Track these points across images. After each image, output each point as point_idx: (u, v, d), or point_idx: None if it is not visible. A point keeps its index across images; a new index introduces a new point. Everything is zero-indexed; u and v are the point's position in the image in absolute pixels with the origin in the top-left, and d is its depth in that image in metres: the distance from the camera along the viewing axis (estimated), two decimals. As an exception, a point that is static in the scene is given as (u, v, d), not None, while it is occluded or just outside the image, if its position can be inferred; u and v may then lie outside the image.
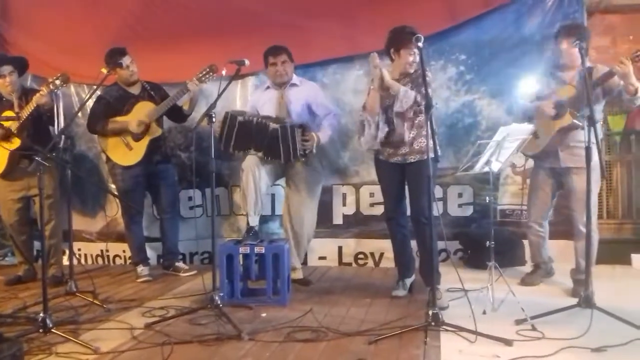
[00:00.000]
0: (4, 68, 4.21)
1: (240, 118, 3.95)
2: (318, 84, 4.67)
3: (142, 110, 4.32)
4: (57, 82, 3.87)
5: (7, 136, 4.13)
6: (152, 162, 4.42)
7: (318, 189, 4.25)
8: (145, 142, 4.33)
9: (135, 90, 4.43)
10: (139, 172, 4.38)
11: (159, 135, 4.38)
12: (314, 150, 4.04)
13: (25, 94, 4.21)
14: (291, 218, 4.10)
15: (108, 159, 4.45)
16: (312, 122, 4.17)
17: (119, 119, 4.34)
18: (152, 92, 4.42)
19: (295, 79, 4.25)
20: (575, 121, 3.48)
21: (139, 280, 4.41)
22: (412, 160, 3.60)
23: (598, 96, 3.51)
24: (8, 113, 4.14)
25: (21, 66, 4.34)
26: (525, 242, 4.42)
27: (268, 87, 4.27)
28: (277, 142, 3.89)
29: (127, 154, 4.36)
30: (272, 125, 3.91)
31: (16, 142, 4.13)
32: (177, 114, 4.48)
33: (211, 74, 4.12)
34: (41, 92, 3.94)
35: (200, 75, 4.14)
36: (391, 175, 3.74)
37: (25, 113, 4.03)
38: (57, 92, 3.94)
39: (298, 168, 4.10)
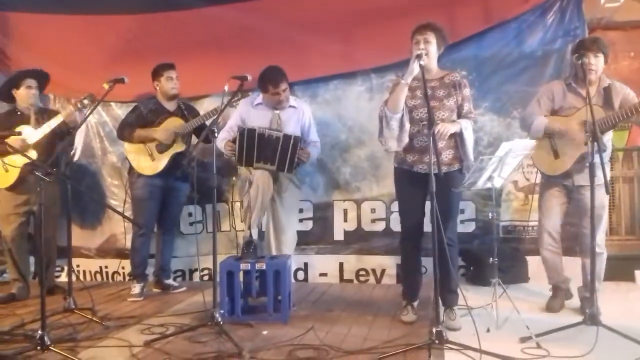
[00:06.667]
0: (30, 81, 4.34)
1: (259, 130, 3.90)
2: (319, 100, 4.66)
3: (172, 125, 4.38)
4: (85, 101, 4.05)
5: (25, 150, 4.07)
6: (171, 177, 4.44)
7: (298, 204, 4.33)
8: (168, 155, 4.37)
9: (171, 106, 4.49)
10: (157, 183, 4.40)
11: (182, 151, 4.40)
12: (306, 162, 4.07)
13: (42, 112, 4.36)
14: (274, 230, 4.11)
15: (130, 168, 4.47)
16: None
17: (149, 129, 4.39)
18: (185, 112, 4.48)
19: (291, 100, 4.18)
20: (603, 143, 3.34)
21: (129, 299, 4.31)
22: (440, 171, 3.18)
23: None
24: (24, 125, 4.20)
25: (43, 81, 4.47)
26: (530, 258, 4.40)
27: (259, 104, 4.15)
28: (278, 150, 3.88)
29: (149, 163, 4.39)
30: (276, 134, 3.91)
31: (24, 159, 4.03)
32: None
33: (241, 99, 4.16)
34: (69, 110, 4.13)
35: (232, 100, 4.07)
36: (414, 189, 3.35)
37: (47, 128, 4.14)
38: (84, 111, 4.10)
39: (282, 181, 4.09)
